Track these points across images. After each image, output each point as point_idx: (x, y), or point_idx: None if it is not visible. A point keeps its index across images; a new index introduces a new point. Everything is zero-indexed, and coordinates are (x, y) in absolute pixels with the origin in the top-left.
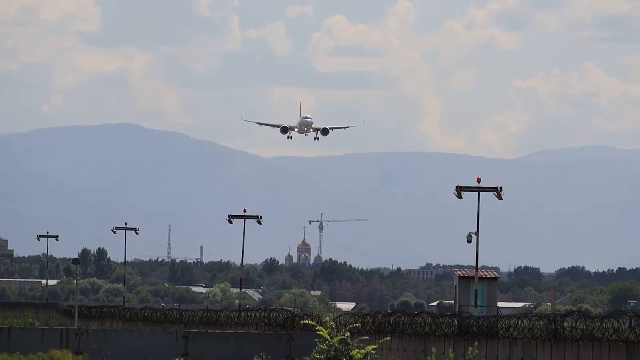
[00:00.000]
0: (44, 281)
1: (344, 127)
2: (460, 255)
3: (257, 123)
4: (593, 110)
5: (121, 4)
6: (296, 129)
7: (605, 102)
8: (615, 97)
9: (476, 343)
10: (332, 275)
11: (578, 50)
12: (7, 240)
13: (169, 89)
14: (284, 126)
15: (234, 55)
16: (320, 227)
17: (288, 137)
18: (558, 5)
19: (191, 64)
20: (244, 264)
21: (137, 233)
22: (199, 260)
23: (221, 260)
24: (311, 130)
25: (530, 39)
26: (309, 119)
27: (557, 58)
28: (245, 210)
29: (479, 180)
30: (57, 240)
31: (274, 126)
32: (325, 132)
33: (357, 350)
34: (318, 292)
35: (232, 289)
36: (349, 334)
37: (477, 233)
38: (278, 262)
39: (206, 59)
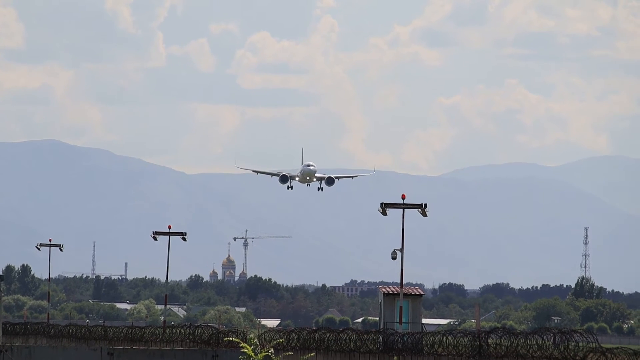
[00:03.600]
0: None
1: (352, 177)
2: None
3: (254, 171)
4: (516, 127)
5: (45, 20)
6: (297, 178)
7: (528, 120)
8: (538, 114)
9: (396, 358)
10: (257, 292)
11: (502, 67)
12: None
13: (93, 106)
14: (284, 175)
15: (158, 72)
16: (245, 244)
17: (288, 188)
18: (481, 22)
19: (115, 80)
20: (169, 280)
21: (61, 250)
22: (124, 276)
23: (146, 276)
24: (314, 179)
25: (454, 56)
26: (312, 167)
27: (481, 75)
28: (169, 227)
29: (403, 197)
30: None
31: (273, 175)
32: (330, 181)
33: None
34: (243, 309)
35: (156, 306)
36: (272, 350)
37: (401, 250)
38: (203, 279)
39: (130, 75)
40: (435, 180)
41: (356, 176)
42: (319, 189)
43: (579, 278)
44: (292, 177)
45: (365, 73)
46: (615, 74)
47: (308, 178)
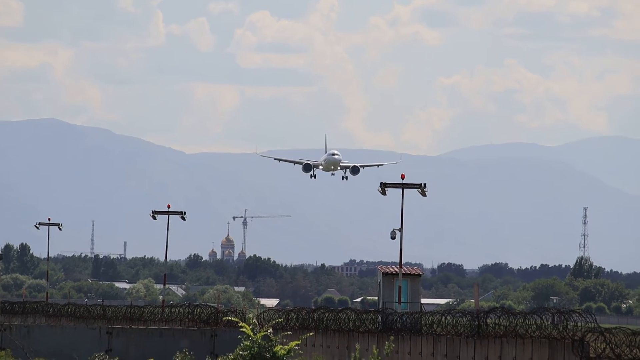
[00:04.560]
0: None
1: (377, 165)
2: (384, 252)
3: (275, 159)
4: (516, 107)
5: None
6: (321, 167)
7: (528, 99)
8: (538, 94)
9: (392, 337)
10: (256, 271)
11: (501, 47)
12: None
13: (92, 85)
14: (307, 163)
15: (158, 51)
16: (244, 223)
17: (312, 176)
18: (481, 2)
19: (115, 59)
20: (168, 260)
21: (60, 229)
22: (123, 256)
23: (145, 256)
24: (339, 168)
25: (454, 36)
26: (337, 156)
27: (481, 55)
28: (169, 206)
29: (402, 177)
30: None
31: (295, 163)
32: (355, 170)
33: (281, 346)
34: (242, 289)
35: (155, 285)
36: (271, 329)
37: (400, 229)
38: (202, 258)
39: (130, 54)
40: (435, 160)
41: (382, 164)
42: (343, 177)
43: (578, 258)
44: (316, 166)
45: (365, 53)
46: (614, 54)
47: (332, 167)
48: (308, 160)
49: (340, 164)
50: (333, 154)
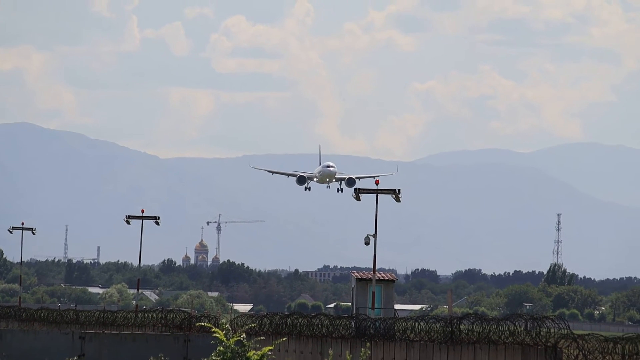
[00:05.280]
0: None
1: (374, 177)
2: (357, 258)
3: (269, 171)
4: (490, 113)
5: (18, 2)
6: (316, 179)
7: (502, 106)
8: (512, 100)
9: (368, 344)
10: (230, 276)
11: (476, 53)
12: None
13: (66, 89)
14: (302, 176)
15: (133, 55)
16: (218, 228)
17: (306, 189)
18: (455, 7)
19: (89, 63)
20: (142, 264)
21: (33, 233)
22: (96, 260)
23: (118, 260)
24: (334, 180)
25: (428, 42)
26: (332, 168)
27: (455, 61)
28: (142, 211)
29: (377, 183)
30: None
31: (289, 175)
32: (351, 182)
33: (254, 352)
34: (215, 294)
35: (129, 290)
36: (244, 335)
37: (374, 235)
38: (175, 263)
39: (104, 58)
40: (409, 166)
41: (378, 176)
42: (338, 190)
43: (551, 264)
44: (310, 178)
45: (339, 58)
46: (588, 60)
47: (328, 179)
48: (302, 173)
49: (336, 175)
50: (328, 166)
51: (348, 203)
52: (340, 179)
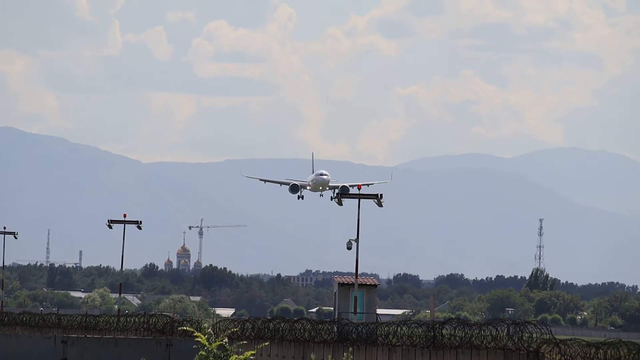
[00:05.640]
0: None
1: (368, 184)
2: (340, 262)
3: (261, 180)
4: (472, 118)
5: (0, 6)
6: (309, 187)
7: (484, 111)
8: (494, 105)
9: (350, 349)
10: (212, 281)
11: (458, 58)
12: None
13: (48, 93)
14: (294, 184)
15: (115, 60)
16: (200, 233)
17: (299, 197)
18: (437, 13)
19: (71, 67)
20: (124, 269)
21: (15, 237)
22: (78, 265)
23: (100, 265)
24: (327, 188)
25: (410, 47)
26: (325, 177)
27: (437, 66)
28: (125, 215)
29: (359, 188)
30: None
31: (282, 183)
32: (345, 190)
33: (236, 356)
34: (197, 298)
35: (111, 294)
36: (226, 339)
37: (357, 240)
38: (158, 268)
39: (86, 63)
40: (391, 171)
41: (372, 183)
42: (332, 198)
43: (533, 269)
44: (303, 187)
45: (321, 63)
46: (570, 65)
47: (321, 188)
48: (295, 181)
49: (329, 184)
50: (321, 174)
51: (330, 208)
52: (334, 187)
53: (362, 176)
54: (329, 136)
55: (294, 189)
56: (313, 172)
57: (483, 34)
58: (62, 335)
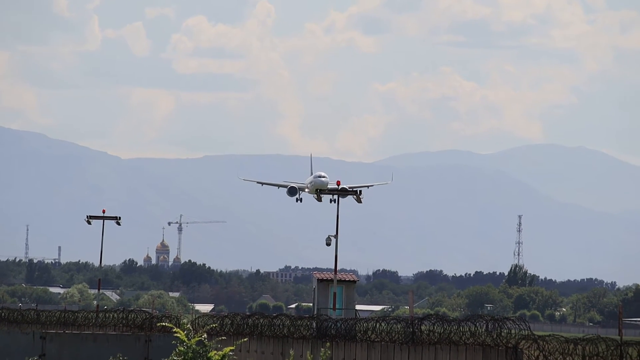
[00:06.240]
0: None
1: (368, 186)
2: (319, 258)
3: (258, 183)
4: (451, 114)
5: None
6: (307, 190)
7: (463, 107)
8: (472, 102)
9: (328, 344)
10: (191, 277)
11: (436, 54)
12: None
13: (27, 88)
14: (292, 187)
15: (93, 55)
16: (180, 229)
17: (297, 200)
18: (416, 9)
19: (50, 63)
20: (103, 264)
21: None
22: (57, 260)
23: (79, 260)
24: (326, 191)
25: (389, 43)
26: (324, 179)
27: (416, 62)
28: (104, 211)
29: (338, 184)
30: None
31: (280, 186)
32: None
33: (215, 352)
34: (177, 294)
35: (90, 290)
36: (205, 335)
37: (336, 236)
38: (137, 264)
39: (65, 58)
40: (370, 167)
41: (372, 185)
42: (331, 201)
43: (512, 265)
44: (302, 189)
45: (300, 59)
46: (549, 62)
47: (319, 190)
48: (293, 183)
49: (328, 187)
50: (320, 176)
51: (309, 204)
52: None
53: (342, 173)
54: (307, 132)
55: (292, 191)
56: (312, 174)
57: (462, 30)
58: (40, 331)
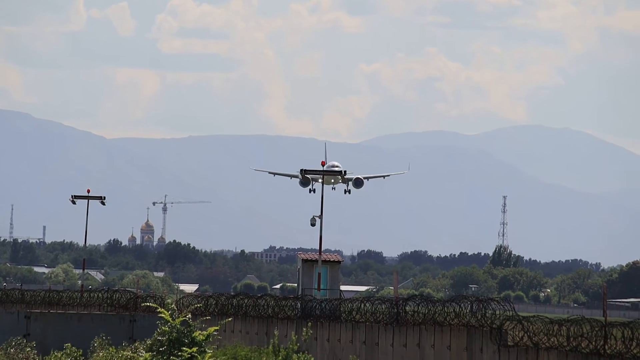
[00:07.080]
0: None
1: (384, 176)
2: (303, 239)
3: (270, 173)
4: (436, 95)
5: None
6: (320, 180)
7: (448, 88)
8: (458, 82)
9: (310, 324)
10: (176, 257)
11: (422, 35)
12: None
13: (12, 68)
14: (306, 177)
15: (78, 35)
16: (164, 209)
17: (310, 191)
18: None
19: (34, 43)
20: (87, 244)
21: None
22: (42, 240)
23: (64, 240)
24: (340, 181)
25: (375, 23)
26: (337, 169)
27: (402, 43)
28: (88, 191)
29: (323, 164)
30: None
31: (292, 176)
32: (358, 183)
33: (199, 332)
34: (161, 274)
35: (74, 270)
36: (190, 315)
37: (320, 216)
38: (121, 243)
39: (50, 38)
40: (356, 147)
41: (388, 175)
42: (345, 191)
43: (497, 246)
44: (315, 179)
45: (285, 39)
46: (535, 43)
47: (333, 181)
48: (306, 174)
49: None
50: (333, 166)
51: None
52: (348, 180)
53: (326, 154)
54: (293, 113)
55: (305, 182)
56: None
57: (447, 10)
58: (25, 310)
